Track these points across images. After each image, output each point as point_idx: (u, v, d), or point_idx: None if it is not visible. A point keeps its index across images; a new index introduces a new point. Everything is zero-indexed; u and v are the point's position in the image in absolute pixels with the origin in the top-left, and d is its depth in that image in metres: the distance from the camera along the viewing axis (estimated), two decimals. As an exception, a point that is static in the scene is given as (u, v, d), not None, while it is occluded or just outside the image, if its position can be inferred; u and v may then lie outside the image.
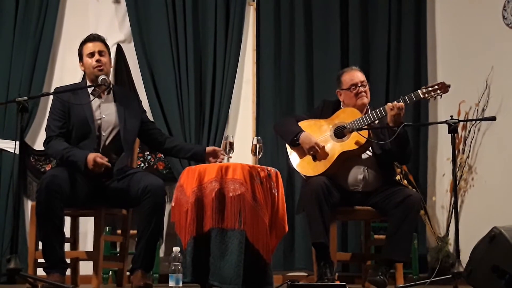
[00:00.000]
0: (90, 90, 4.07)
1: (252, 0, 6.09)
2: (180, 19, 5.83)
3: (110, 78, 4.11)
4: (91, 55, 4.06)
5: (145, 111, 4.33)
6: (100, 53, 4.07)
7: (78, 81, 4.32)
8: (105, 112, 4.06)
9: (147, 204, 3.84)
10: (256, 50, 6.04)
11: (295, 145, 4.24)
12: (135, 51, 5.79)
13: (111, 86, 4.13)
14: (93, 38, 4.12)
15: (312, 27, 6.10)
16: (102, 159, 3.86)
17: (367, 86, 4.30)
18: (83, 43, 4.12)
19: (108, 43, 5.76)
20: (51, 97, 4.18)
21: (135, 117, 4.15)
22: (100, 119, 4.03)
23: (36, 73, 5.58)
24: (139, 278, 3.84)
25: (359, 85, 4.27)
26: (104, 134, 4.03)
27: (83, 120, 3.99)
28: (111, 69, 4.24)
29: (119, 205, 4.12)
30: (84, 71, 4.14)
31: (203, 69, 5.87)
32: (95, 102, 4.03)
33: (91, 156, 3.84)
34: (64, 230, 3.87)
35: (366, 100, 4.27)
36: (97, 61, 4.04)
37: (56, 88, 4.17)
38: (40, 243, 3.97)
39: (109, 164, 3.89)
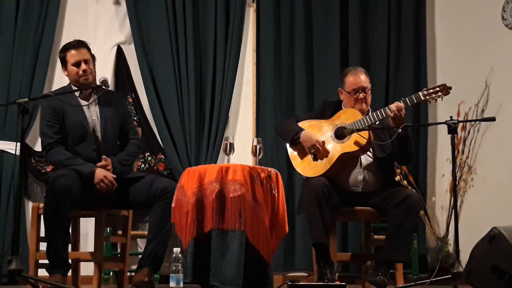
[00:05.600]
0: (77, 94, 4.09)
1: (252, 1, 6.10)
2: (180, 20, 5.84)
3: (97, 80, 4.04)
4: (77, 64, 4.02)
5: (131, 116, 4.28)
6: (86, 61, 4.04)
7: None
8: (93, 114, 4.08)
9: (163, 206, 3.87)
10: (256, 51, 6.04)
11: (296, 144, 4.25)
12: (135, 52, 5.79)
13: (98, 88, 4.06)
14: (77, 45, 4.07)
15: (312, 28, 6.11)
16: (111, 179, 3.88)
17: (369, 92, 4.29)
18: (66, 49, 4.07)
19: (108, 44, 5.82)
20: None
21: (116, 115, 4.13)
22: (93, 120, 4.06)
23: (36, 74, 5.58)
24: (145, 274, 3.84)
25: (360, 91, 4.26)
26: (99, 135, 4.05)
27: (78, 123, 4.01)
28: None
29: (127, 206, 4.13)
30: (67, 77, 4.13)
31: (203, 70, 5.88)
32: (86, 105, 4.06)
33: (101, 173, 3.88)
34: (67, 231, 3.91)
35: (364, 106, 4.26)
36: (84, 71, 4.02)
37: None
38: (41, 244, 3.99)
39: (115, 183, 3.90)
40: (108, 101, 4.13)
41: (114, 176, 3.92)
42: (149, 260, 3.91)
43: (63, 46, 4.15)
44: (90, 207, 4.04)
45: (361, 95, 4.25)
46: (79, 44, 4.08)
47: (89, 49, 4.12)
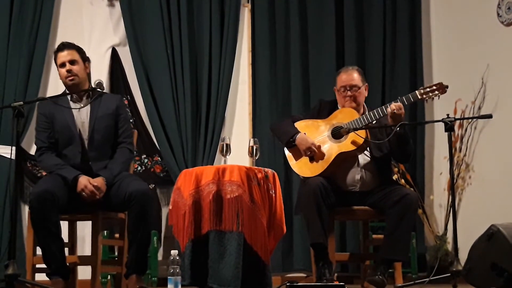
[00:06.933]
0: (69, 97, 4.08)
1: (247, 1, 6.09)
2: (175, 21, 5.82)
3: (92, 82, 4.04)
4: (62, 65, 4.04)
5: (126, 118, 4.21)
6: (71, 62, 4.04)
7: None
8: (84, 117, 4.06)
9: (133, 211, 3.83)
10: (252, 51, 6.03)
11: (291, 147, 4.24)
12: (130, 54, 5.77)
13: (90, 92, 4.07)
14: (63, 47, 4.10)
15: (307, 27, 6.10)
16: (92, 188, 3.86)
17: (359, 91, 4.27)
18: (55, 53, 4.12)
19: (103, 46, 5.78)
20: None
21: (108, 117, 4.08)
22: (82, 123, 4.04)
23: (31, 77, 5.55)
24: (134, 282, 3.86)
25: (348, 88, 4.26)
26: (86, 137, 4.03)
27: (66, 126, 4.01)
28: (88, 71, 4.19)
29: (110, 209, 4.11)
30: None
31: (199, 71, 5.87)
32: (75, 107, 4.04)
33: (84, 181, 3.86)
34: (62, 235, 3.88)
35: (353, 104, 4.26)
36: (68, 71, 4.02)
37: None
38: (38, 248, 3.97)
39: (97, 192, 3.88)
40: (101, 103, 4.10)
41: (96, 184, 3.88)
42: (133, 266, 3.90)
43: (54, 50, 4.17)
44: (80, 211, 4.02)
45: (348, 93, 4.25)
46: (65, 46, 4.10)
47: (79, 51, 4.11)
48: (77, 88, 4.03)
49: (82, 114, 4.05)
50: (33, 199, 3.76)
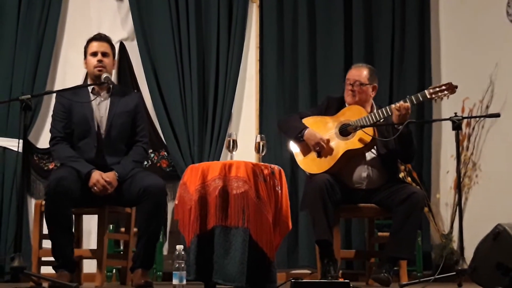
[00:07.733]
0: (90, 89, 4.10)
1: (255, -3, 6.09)
2: (183, 16, 5.82)
3: (112, 78, 4.10)
4: (94, 54, 4.08)
5: (143, 116, 4.25)
6: (104, 54, 4.08)
7: (80, 79, 4.35)
8: (102, 111, 4.08)
9: (147, 205, 3.86)
10: (259, 47, 6.02)
11: (300, 141, 4.24)
12: (138, 48, 5.78)
13: (111, 86, 4.11)
14: (99, 38, 4.15)
15: (316, 24, 6.08)
16: (104, 183, 3.88)
17: (362, 88, 4.28)
18: (89, 41, 4.16)
19: (110, 40, 5.80)
20: (54, 96, 4.21)
21: (126, 113, 4.12)
22: (101, 117, 4.06)
23: (39, 71, 5.57)
24: (139, 276, 3.87)
25: (351, 82, 4.28)
26: (103, 132, 4.04)
27: (83, 119, 4.03)
28: (114, 68, 4.24)
29: (121, 203, 4.13)
30: (86, 69, 4.16)
31: (206, 67, 5.87)
32: (95, 101, 4.07)
33: (96, 176, 3.87)
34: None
35: (352, 99, 4.28)
36: (99, 61, 4.06)
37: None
38: (43, 241, 3.99)
39: (108, 187, 3.91)
40: (121, 98, 4.14)
41: (108, 180, 3.90)
42: (140, 260, 3.94)
43: (89, 38, 4.22)
44: (91, 205, 4.04)
45: (350, 87, 4.27)
46: (101, 38, 4.16)
47: (111, 45, 4.18)
48: (100, 80, 4.05)
49: (101, 109, 4.08)
50: (49, 191, 3.78)
